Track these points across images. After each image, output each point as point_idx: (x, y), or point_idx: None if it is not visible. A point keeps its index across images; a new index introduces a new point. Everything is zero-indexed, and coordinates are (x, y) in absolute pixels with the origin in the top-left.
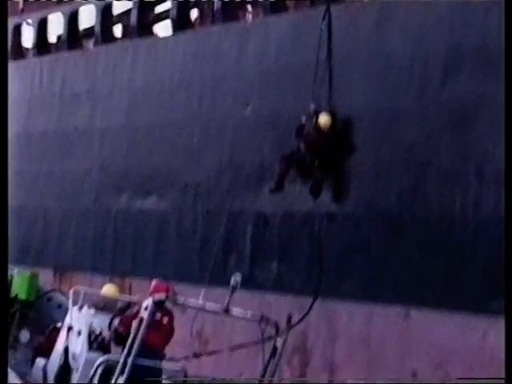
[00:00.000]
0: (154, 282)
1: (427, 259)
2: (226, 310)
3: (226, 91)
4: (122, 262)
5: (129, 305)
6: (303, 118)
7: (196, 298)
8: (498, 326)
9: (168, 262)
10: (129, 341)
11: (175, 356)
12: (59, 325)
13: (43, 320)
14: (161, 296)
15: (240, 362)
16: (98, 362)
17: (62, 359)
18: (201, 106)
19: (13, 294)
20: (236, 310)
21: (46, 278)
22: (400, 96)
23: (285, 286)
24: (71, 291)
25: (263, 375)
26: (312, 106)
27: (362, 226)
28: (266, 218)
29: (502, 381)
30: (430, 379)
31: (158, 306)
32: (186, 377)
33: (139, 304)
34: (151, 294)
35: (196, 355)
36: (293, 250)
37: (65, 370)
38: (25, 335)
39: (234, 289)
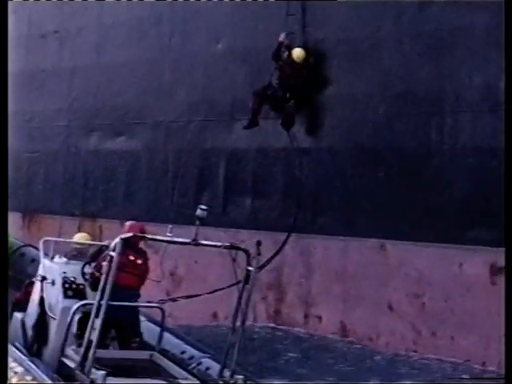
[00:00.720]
0: (128, 223)
1: (403, 191)
2: (195, 241)
3: (196, 27)
4: (92, 204)
5: (100, 249)
6: (282, 36)
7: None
8: (475, 256)
9: (139, 203)
10: (101, 283)
11: (152, 299)
12: (34, 279)
13: (18, 276)
14: (128, 234)
15: (214, 302)
16: (73, 309)
17: (38, 310)
18: (171, 42)
19: None
20: (204, 242)
21: (14, 222)
22: (375, 27)
23: (259, 222)
24: (41, 242)
25: (237, 304)
26: (282, 35)
27: (337, 159)
28: (239, 154)
29: (502, 381)
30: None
31: (129, 245)
32: (163, 317)
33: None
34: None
35: (173, 299)
36: (267, 186)
37: (42, 319)
38: None
39: (200, 219)
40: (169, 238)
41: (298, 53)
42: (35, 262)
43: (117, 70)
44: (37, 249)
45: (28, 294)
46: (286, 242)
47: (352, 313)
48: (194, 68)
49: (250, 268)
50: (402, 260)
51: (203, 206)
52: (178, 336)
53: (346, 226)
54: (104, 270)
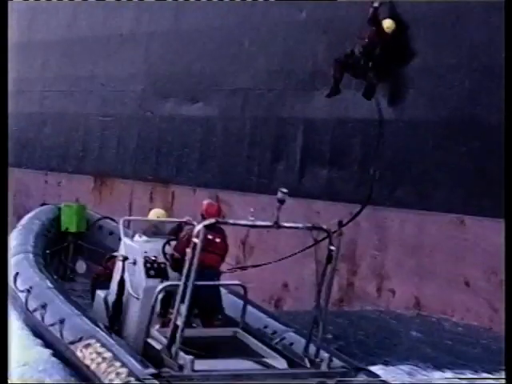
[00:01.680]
0: (205, 202)
1: (484, 166)
2: (276, 223)
3: None
4: (165, 170)
5: (179, 226)
6: (376, 2)
7: (243, 206)
8: None
9: (213, 170)
10: (185, 268)
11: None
12: (115, 253)
13: (97, 249)
14: (211, 220)
15: (284, 271)
16: (157, 290)
17: (117, 289)
18: (252, 9)
19: (63, 227)
20: (286, 224)
21: (86, 185)
22: None
23: (334, 193)
24: (121, 221)
25: (320, 283)
26: (375, 4)
27: (419, 132)
28: (318, 124)
29: (503, 381)
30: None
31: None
32: (246, 294)
33: (189, 224)
34: (202, 214)
35: (242, 268)
36: (344, 157)
37: (120, 300)
38: (81, 266)
39: (281, 202)
40: (251, 222)
41: (388, 23)
42: (113, 234)
43: (194, 35)
44: (115, 221)
45: (108, 268)
46: (360, 212)
47: (426, 288)
48: (273, 35)
49: (331, 247)
50: (482, 236)
51: (284, 189)
52: (259, 309)
53: (423, 199)
54: (187, 254)
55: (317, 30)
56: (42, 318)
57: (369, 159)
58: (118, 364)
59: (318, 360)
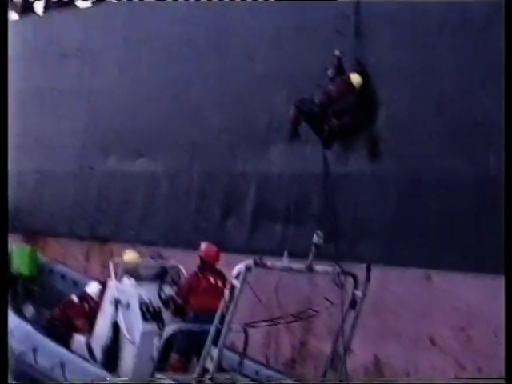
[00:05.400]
0: (203, 245)
1: (452, 219)
2: (310, 268)
3: (232, 40)
4: (104, 228)
5: (165, 270)
6: (330, 71)
7: (188, 264)
8: None
9: (157, 227)
10: (220, 312)
11: None
12: (74, 297)
13: (48, 293)
14: (249, 262)
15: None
16: (167, 332)
17: (111, 335)
18: (201, 59)
19: (14, 270)
20: (318, 267)
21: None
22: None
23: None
24: (111, 264)
25: (341, 328)
26: (337, 52)
27: (381, 185)
28: (272, 178)
29: (503, 381)
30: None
31: (207, 267)
32: (247, 341)
33: (176, 269)
34: (201, 256)
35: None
36: (300, 212)
37: (115, 345)
38: (29, 310)
39: (316, 246)
40: (286, 266)
41: (357, 79)
42: (65, 278)
43: (139, 88)
44: (65, 265)
45: (66, 313)
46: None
47: (388, 347)
48: (224, 91)
49: (357, 292)
50: (449, 292)
51: (320, 233)
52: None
53: (387, 254)
54: (224, 298)
55: (273, 81)
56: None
57: (326, 214)
58: None
59: None
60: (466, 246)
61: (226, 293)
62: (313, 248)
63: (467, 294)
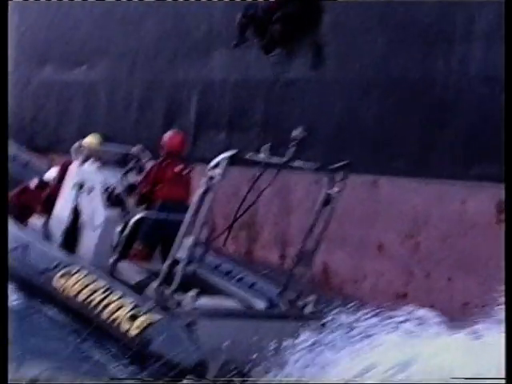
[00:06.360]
0: (167, 134)
1: (401, 125)
2: (288, 164)
3: None
4: (43, 139)
5: (126, 156)
6: None
7: None
8: (479, 193)
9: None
10: (192, 206)
11: None
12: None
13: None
14: (229, 154)
15: None
16: (134, 220)
17: (71, 218)
18: None
19: None
20: (296, 163)
21: None
22: None
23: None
24: (73, 147)
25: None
26: None
27: (329, 91)
28: (215, 86)
29: (503, 381)
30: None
31: (174, 155)
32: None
33: (141, 156)
34: (163, 146)
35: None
36: (244, 120)
37: (74, 229)
38: None
39: (295, 140)
40: (266, 160)
41: None
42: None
43: None
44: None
45: (20, 198)
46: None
47: (335, 254)
48: None
49: (329, 192)
50: (396, 197)
51: (299, 127)
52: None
53: (333, 160)
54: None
55: None
56: None
57: (272, 121)
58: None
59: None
60: (412, 151)
61: (203, 182)
62: (293, 143)
63: (414, 199)
